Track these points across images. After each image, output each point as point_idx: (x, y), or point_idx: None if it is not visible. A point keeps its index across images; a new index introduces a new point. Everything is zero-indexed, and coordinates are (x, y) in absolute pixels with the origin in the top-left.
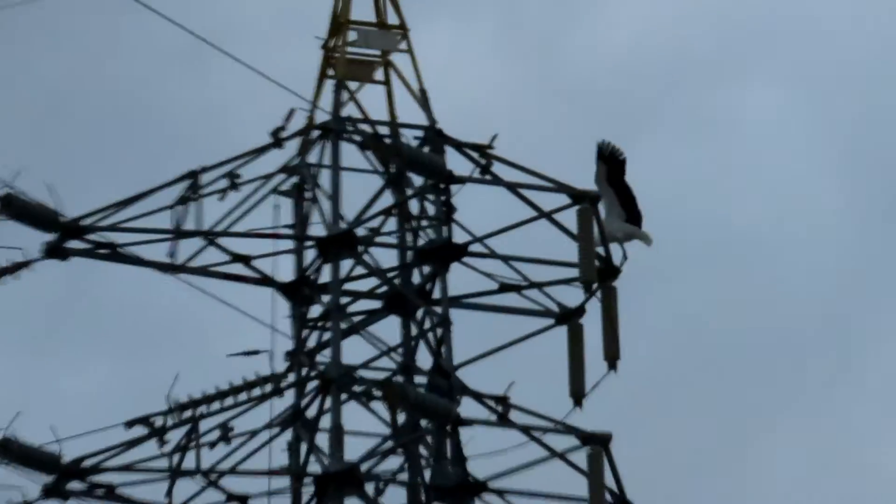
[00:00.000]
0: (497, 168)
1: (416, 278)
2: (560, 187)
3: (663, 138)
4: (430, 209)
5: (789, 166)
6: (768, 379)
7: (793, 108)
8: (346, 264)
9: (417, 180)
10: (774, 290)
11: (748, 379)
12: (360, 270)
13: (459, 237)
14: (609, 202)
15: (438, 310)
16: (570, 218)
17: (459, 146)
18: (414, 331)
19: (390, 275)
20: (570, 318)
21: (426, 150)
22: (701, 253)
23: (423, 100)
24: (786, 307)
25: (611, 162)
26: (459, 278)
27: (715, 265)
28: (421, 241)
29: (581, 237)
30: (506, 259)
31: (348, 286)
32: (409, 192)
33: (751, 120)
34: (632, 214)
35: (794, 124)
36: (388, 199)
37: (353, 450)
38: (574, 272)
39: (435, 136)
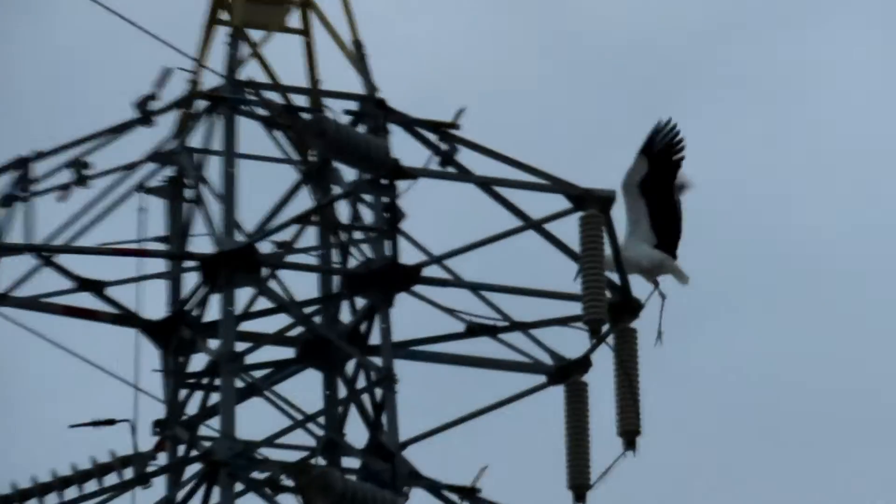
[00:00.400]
0: (465, 157)
1: (345, 315)
2: (556, 185)
3: (705, 109)
4: (368, 216)
5: (885, 143)
6: (862, 465)
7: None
8: (243, 294)
9: (349, 174)
10: (865, 331)
11: (831, 465)
12: (264, 304)
13: (409, 256)
14: (635, 217)
15: (378, 361)
16: (569, 230)
17: (411, 125)
18: (342, 391)
19: (307, 310)
20: (568, 374)
21: (362, 130)
22: (756, 275)
23: (358, 57)
24: (884, 358)
25: (660, 160)
26: (409, 315)
27: (780, 293)
28: (353, 262)
29: (586, 257)
30: (476, 288)
31: (246, 326)
32: (338, 190)
33: (826, 78)
34: (665, 240)
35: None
36: (306, 201)
37: None
38: (575, 308)
39: (375, 111)
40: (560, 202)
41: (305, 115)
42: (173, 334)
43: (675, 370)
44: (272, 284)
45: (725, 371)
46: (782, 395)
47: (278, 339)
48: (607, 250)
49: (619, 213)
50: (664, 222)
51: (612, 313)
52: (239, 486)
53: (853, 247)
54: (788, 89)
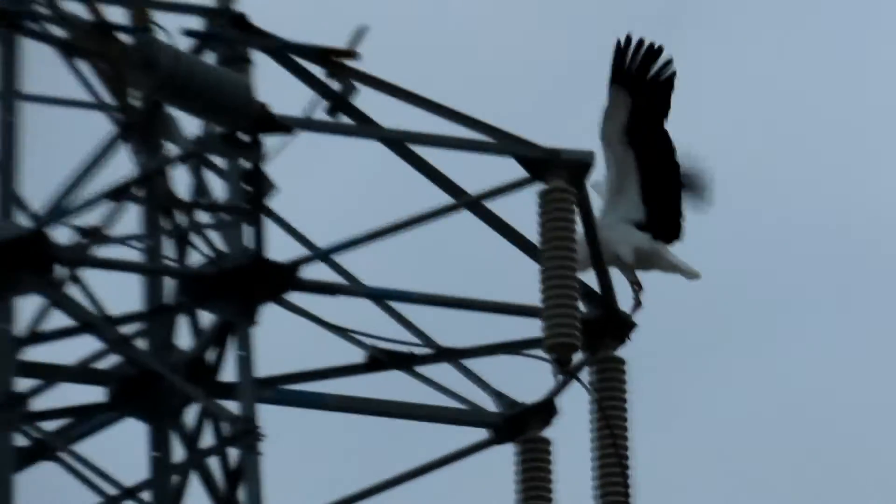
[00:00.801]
0: (368, 102)
1: (183, 338)
2: (504, 144)
3: (708, 47)
4: (219, 189)
5: None
6: None
7: None
8: (28, 305)
9: (192, 126)
10: None
11: None
12: (61, 320)
13: (281, 249)
14: (618, 182)
15: (234, 407)
16: (525, 210)
17: (284, 52)
18: (179, 452)
19: (125, 330)
20: (522, 427)
21: (211, 60)
22: (791, 274)
23: None
24: None
25: (645, 90)
26: (280, 338)
27: (825, 299)
28: (197, 259)
29: (548, 252)
30: (382, 297)
31: (33, 353)
32: (174, 151)
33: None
34: (664, 217)
35: None
36: (125, 167)
37: None
38: (533, 328)
39: (231, 31)
40: (511, 169)
41: (126, 38)
42: None
43: (684, 412)
44: (72, 291)
45: (754, 412)
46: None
47: (82, 373)
48: (580, 239)
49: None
50: (661, 190)
51: (589, 336)
52: None
53: None
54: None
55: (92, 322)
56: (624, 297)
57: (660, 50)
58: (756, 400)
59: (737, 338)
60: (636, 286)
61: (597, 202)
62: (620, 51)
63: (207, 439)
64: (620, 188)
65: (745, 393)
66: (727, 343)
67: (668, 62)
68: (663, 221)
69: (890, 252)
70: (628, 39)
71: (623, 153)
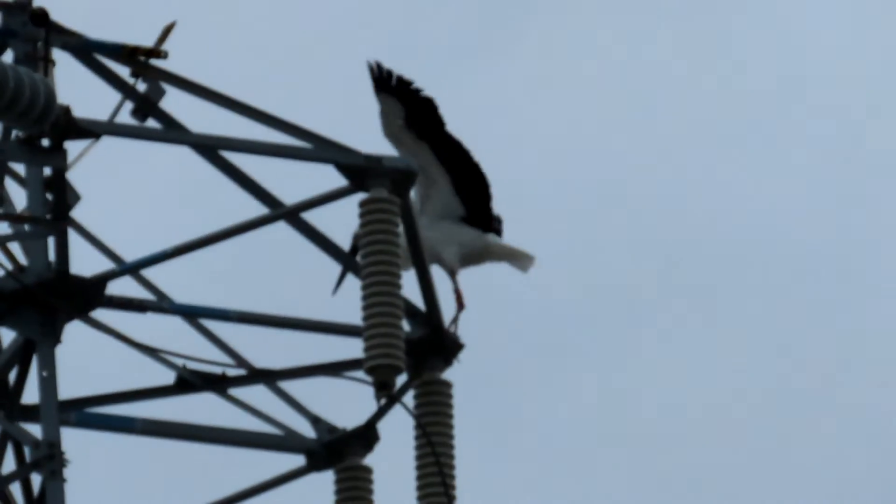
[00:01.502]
0: (177, 104)
1: None
2: (322, 150)
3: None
4: (19, 198)
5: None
6: None
7: None
8: None
9: None
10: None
11: None
12: None
13: (85, 263)
14: (423, 178)
15: (37, 430)
16: (347, 222)
17: (88, 51)
18: None
19: None
20: (341, 454)
21: (8, 59)
22: (647, 275)
23: None
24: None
25: (408, 95)
26: (84, 357)
27: (687, 300)
28: None
29: (369, 265)
30: (193, 314)
31: None
32: None
33: None
34: (474, 208)
35: None
36: None
37: None
38: (354, 348)
39: (31, 28)
40: (331, 178)
41: None
42: None
43: (517, 434)
44: None
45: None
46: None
47: None
48: (404, 252)
49: None
50: (468, 179)
51: (413, 357)
52: None
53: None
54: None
55: None
56: (449, 309)
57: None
58: (595, 415)
59: (574, 351)
60: (458, 300)
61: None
62: (375, 70)
63: (9, 464)
64: (428, 181)
65: (582, 409)
66: (564, 357)
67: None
68: (479, 213)
69: (750, 258)
70: (378, 65)
71: (415, 146)
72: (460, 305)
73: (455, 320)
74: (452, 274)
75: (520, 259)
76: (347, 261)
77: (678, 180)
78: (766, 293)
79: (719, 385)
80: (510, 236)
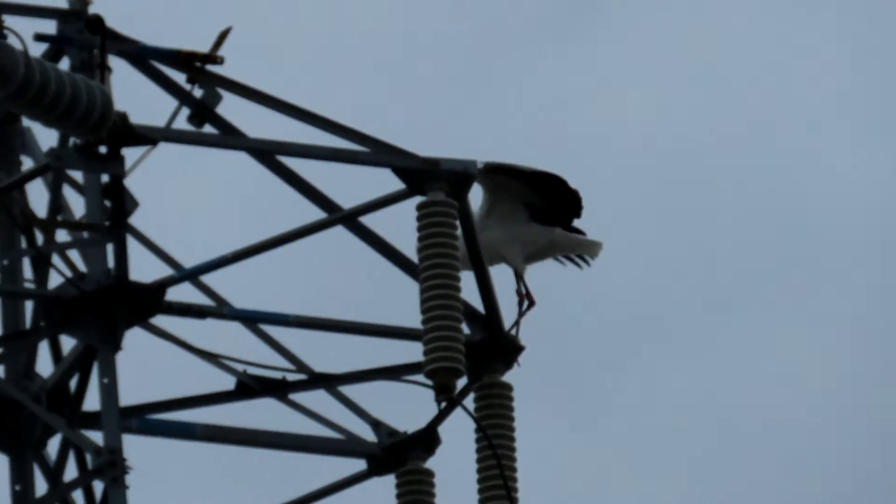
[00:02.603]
0: (231, 110)
1: (44, 365)
2: (380, 154)
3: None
4: (78, 205)
5: None
6: None
7: None
8: None
9: (47, 137)
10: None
11: None
12: None
13: (144, 270)
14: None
15: (98, 437)
16: (401, 223)
17: (144, 58)
18: (42, 485)
19: None
20: (401, 457)
21: (66, 66)
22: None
23: None
24: None
25: None
26: (144, 364)
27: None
28: (56, 280)
29: (427, 269)
30: (253, 320)
31: None
32: (28, 164)
33: None
34: (555, 198)
35: None
36: None
37: None
38: (415, 351)
39: (87, 36)
40: (389, 181)
41: None
42: None
43: (579, 434)
44: None
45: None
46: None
47: None
48: (463, 256)
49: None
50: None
51: (473, 360)
52: None
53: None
54: None
55: None
56: (509, 312)
57: None
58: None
59: (639, 347)
60: (523, 295)
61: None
62: None
63: (71, 472)
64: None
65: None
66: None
67: None
68: (555, 202)
69: (818, 251)
70: None
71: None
72: (531, 302)
73: (521, 315)
74: (518, 274)
75: (587, 248)
76: (407, 265)
77: (768, 161)
78: (854, 280)
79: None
80: (596, 223)
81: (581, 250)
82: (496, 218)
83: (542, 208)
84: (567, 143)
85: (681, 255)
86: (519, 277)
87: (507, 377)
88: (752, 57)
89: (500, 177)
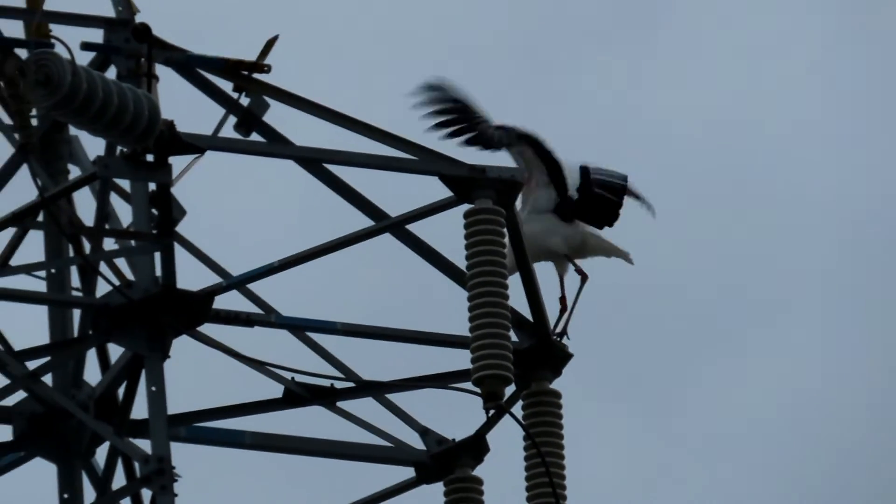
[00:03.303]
0: (278, 118)
1: (92, 374)
2: (427, 161)
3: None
4: (125, 213)
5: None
6: None
7: None
8: None
9: (94, 146)
10: None
11: None
12: None
13: (192, 278)
14: (534, 187)
15: (147, 445)
16: (449, 233)
17: (192, 66)
18: (90, 493)
19: (31, 365)
20: (450, 465)
21: (112, 75)
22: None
23: None
24: None
25: None
26: (192, 372)
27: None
28: (104, 288)
29: (474, 277)
30: (300, 328)
31: None
32: (76, 173)
33: None
34: (590, 201)
35: None
36: (25, 192)
37: None
38: (462, 359)
39: (134, 44)
40: (436, 189)
41: (21, 52)
42: None
43: (628, 442)
44: None
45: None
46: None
47: None
48: (511, 262)
49: None
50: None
51: (521, 368)
52: None
53: None
54: None
55: None
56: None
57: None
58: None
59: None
60: (579, 272)
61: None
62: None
63: (119, 480)
64: (533, 181)
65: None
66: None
67: None
68: (590, 205)
69: (874, 251)
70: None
71: (532, 160)
72: (583, 276)
73: (579, 292)
74: (568, 258)
75: (617, 254)
76: (454, 272)
77: (826, 171)
78: None
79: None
80: (647, 226)
81: (614, 253)
82: (529, 211)
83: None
84: (626, 145)
85: (743, 254)
86: (568, 259)
87: (556, 384)
88: (801, 59)
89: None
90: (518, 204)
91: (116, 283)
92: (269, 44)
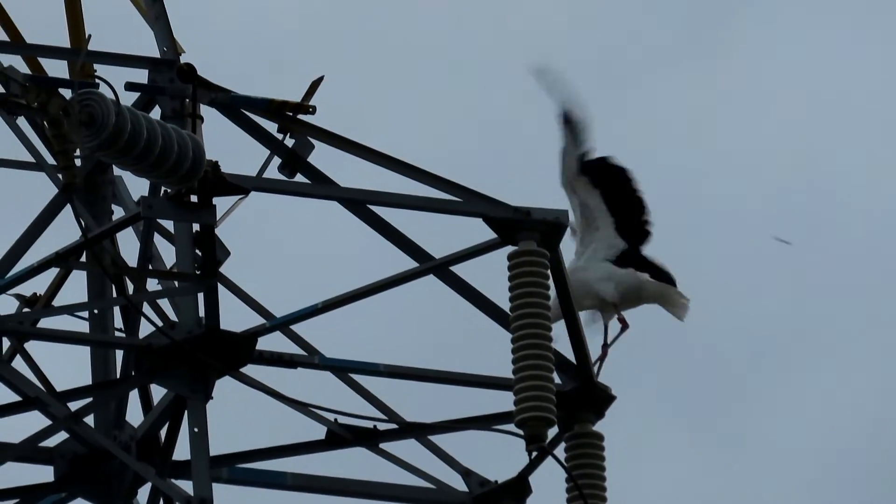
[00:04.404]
0: (324, 159)
1: (134, 415)
2: (471, 203)
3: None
4: (169, 254)
5: None
6: None
7: None
8: None
9: (138, 186)
10: None
11: None
12: (8, 395)
13: (235, 319)
14: (585, 224)
15: (188, 486)
16: (494, 274)
17: (237, 107)
18: None
19: (74, 405)
20: None
21: (157, 115)
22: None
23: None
24: None
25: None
26: (233, 413)
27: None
28: (147, 329)
29: (518, 319)
30: (343, 369)
31: None
32: (120, 213)
33: None
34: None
35: None
36: (69, 232)
37: None
38: (505, 401)
39: (179, 85)
40: (480, 231)
41: (66, 92)
42: None
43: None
44: (16, 364)
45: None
46: None
47: (27, 451)
48: (555, 306)
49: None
50: (634, 221)
51: (564, 410)
52: None
53: None
54: None
55: (38, 397)
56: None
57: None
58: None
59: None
60: (621, 321)
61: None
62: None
63: None
64: (591, 226)
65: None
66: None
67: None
68: (640, 260)
69: None
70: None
71: (587, 192)
72: (624, 325)
73: (615, 338)
74: (615, 307)
75: (674, 301)
76: (498, 314)
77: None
78: None
79: None
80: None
81: (668, 303)
82: (586, 258)
83: (626, 251)
84: (693, 158)
85: (813, 276)
86: (615, 307)
87: (599, 426)
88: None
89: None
90: (574, 244)
91: (159, 323)
92: (314, 85)
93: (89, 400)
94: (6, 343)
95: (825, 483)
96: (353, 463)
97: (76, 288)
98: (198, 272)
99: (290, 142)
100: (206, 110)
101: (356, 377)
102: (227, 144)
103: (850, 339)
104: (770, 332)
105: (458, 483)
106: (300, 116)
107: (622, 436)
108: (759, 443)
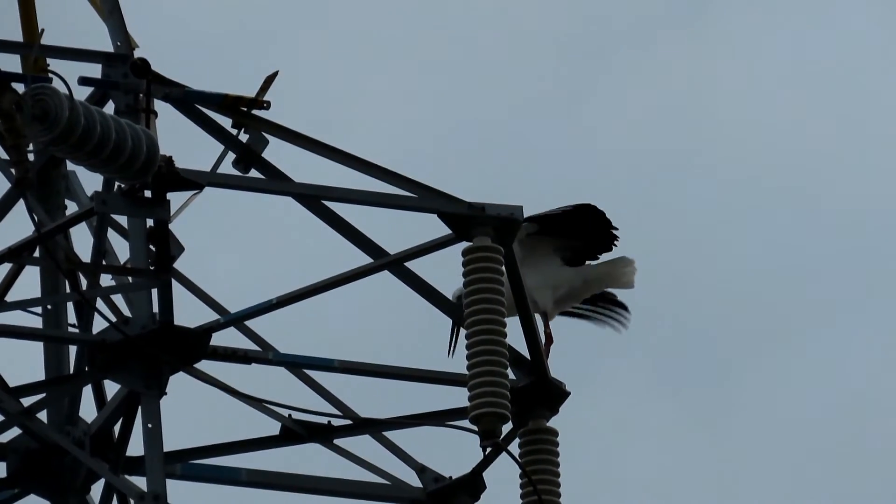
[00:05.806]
0: (277, 154)
1: (87, 411)
2: (426, 199)
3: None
4: (122, 250)
5: None
6: None
7: None
8: None
9: (91, 181)
10: None
11: None
12: None
13: (188, 315)
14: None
15: (142, 482)
16: (448, 270)
17: (191, 102)
18: None
19: (26, 401)
20: (446, 503)
21: (109, 110)
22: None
23: None
24: None
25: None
26: (187, 409)
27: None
28: (100, 325)
29: (472, 315)
30: (298, 365)
31: None
32: (73, 208)
33: None
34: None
35: None
36: (21, 227)
37: None
38: (459, 397)
39: (132, 79)
40: (435, 227)
41: (18, 86)
42: None
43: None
44: None
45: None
46: None
47: None
48: (509, 301)
49: None
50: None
51: (518, 406)
52: None
53: None
54: None
55: None
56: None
57: None
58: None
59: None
60: (546, 335)
61: None
62: None
63: None
64: (531, 248)
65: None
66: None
67: None
68: (589, 237)
69: None
70: None
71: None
72: (549, 340)
73: (545, 354)
74: (544, 316)
75: (620, 272)
76: (452, 310)
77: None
78: None
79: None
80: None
81: (615, 279)
82: (529, 265)
83: (577, 251)
84: (686, 134)
85: (802, 252)
86: (544, 318)
87: (553, 422)
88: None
89: (535, 236)
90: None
91: (113, 319)
92: (269, 80)
93: (42, 396)
94: None
95: (812, 462)
96: (308, 459)
97: (29, 283)
98: (152, 268)
99: (244, 137)
100: (160, 105)
101: (310, 373)
102: (181, 140)
103: (841, 317)
104: (758, 311)
105: (413, 479)
106: (254, 112)
107: (609, 415)
108: (748, 420)
